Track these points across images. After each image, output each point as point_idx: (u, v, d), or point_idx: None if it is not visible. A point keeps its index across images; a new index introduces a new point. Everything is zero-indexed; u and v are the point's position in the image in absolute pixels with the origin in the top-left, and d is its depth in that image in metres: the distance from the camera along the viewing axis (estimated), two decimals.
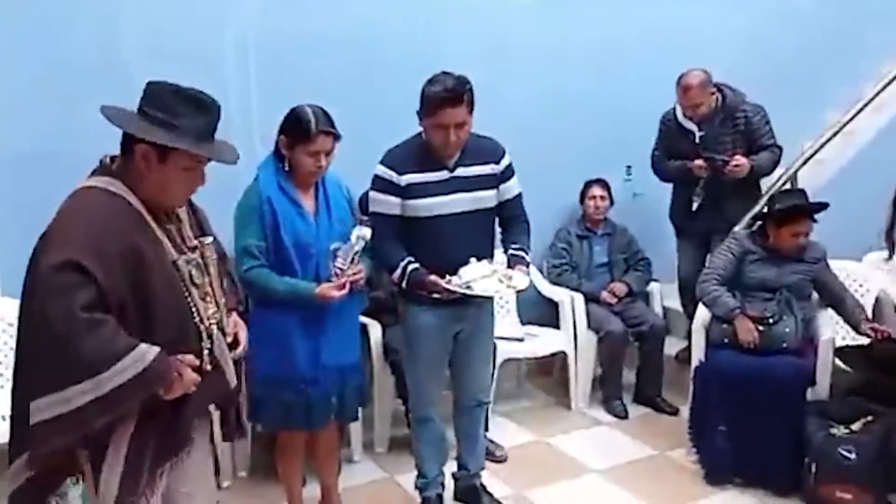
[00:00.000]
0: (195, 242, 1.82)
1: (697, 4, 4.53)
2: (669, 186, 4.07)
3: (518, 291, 2.63)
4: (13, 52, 3.17)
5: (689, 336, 3.64)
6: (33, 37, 3.21)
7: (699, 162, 3.66)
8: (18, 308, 1.66)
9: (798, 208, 3.24)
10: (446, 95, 2.47)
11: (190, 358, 1.73)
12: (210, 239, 1.87)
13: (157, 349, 1.63)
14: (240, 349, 1.91)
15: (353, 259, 2.50)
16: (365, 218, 2.63)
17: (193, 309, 1.75)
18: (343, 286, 2.47)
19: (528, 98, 4.15)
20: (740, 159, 3.59)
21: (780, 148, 3.76)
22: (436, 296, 2.58)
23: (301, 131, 2.45)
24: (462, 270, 2.52)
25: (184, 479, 1.86)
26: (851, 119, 4.29)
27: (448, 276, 2.52)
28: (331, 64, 3.67)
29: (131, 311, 1.63)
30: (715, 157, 3.62)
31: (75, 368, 1.55)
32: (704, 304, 3.34)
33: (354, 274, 2.51)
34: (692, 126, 3.73)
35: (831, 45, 4.87)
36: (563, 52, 4.22)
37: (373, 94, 3.70)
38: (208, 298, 1.81)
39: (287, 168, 2.51)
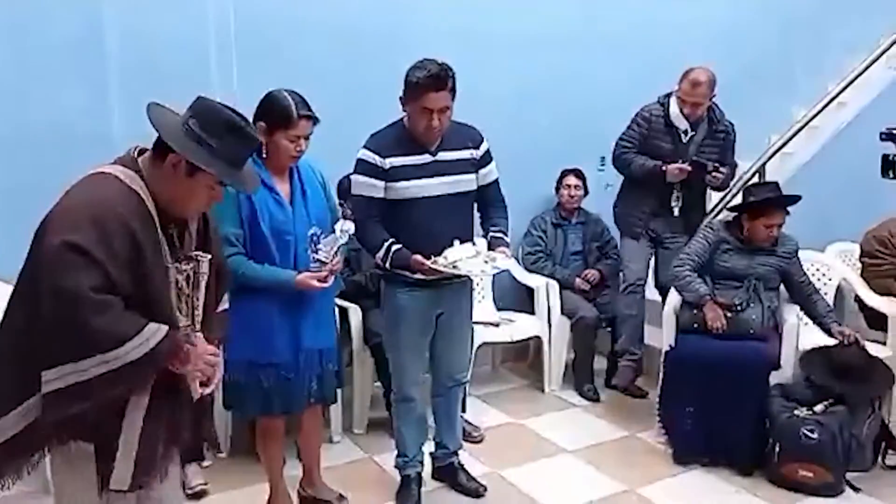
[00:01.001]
0: (193, 254, 1.85)
1: (675, 3, 4.63)
2: None
3: (503, 271, 2.70)
4: None
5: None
6: (14, 17, 3.20)
7: (681, 165, 3.55)
8: (19, 281, 1.69)
9: (772, 201, 3.34)
10: (431, 80, 2.53)
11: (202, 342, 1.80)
12: (208, 256, 1.88)
13: (165, 328, 1.68)
14: (207, 389, 1.85)
15: (336, 252, 2.53)
16: (348, 210, 2.64)
17: (168, 313, 1.76)
18: (325, 279, 2.51)
19: (505, 87, 4.22)
20: (724, 171, 3.60)
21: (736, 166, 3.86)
22: (419, 276, 2.65)
23: (282, 117, 2.45)
24: (447, 252, 2.58)
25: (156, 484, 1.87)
26: (817, 114, 4.43)
27: (433, 257, 2.59)
28: (310, 48, 3.72)
29: (132, 303, 1.66)
30: (704, 161, 3.57)
31: (86, 344, 1.60)
32: (676, 287, 3.43)
33: (334, 265, 2.54)
34: (684, 124, 3.63)
35: (799, 42, 5.03)
36: (540, 43, 4.29)
37: (351, 79, 3.75)
38: (184, 310, 1.83)
39: (264, 155, 2.50)
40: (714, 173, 3.55)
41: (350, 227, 2.54)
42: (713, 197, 4.16)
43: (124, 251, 1.63)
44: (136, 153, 1.79)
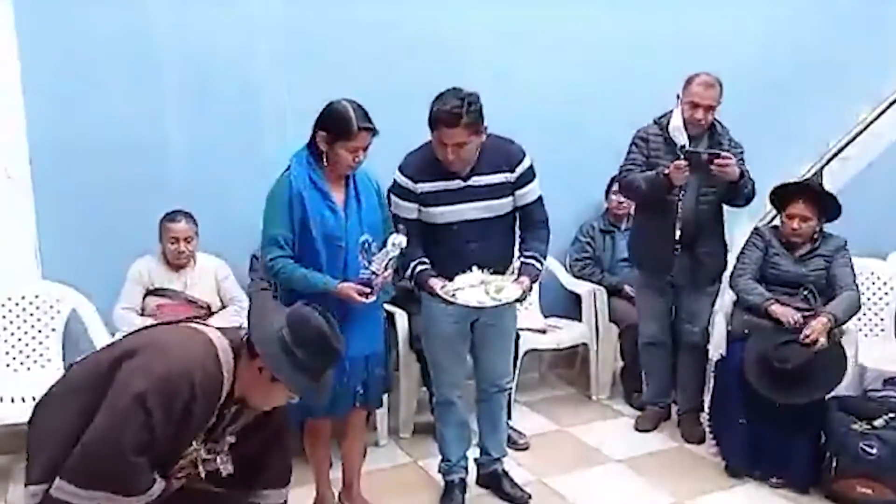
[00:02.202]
0: (224, 448, 1.97)
1: (719, 4, 4.51)
2: None
3: (506, 304, 2.66)
4: (49, 38, 3.26)
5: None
6: (66, 24, 3.29)
7: (677, 163, 3.18)
8: (92, 370, 1.89)
9: (786, 187, 3.30)
10: (444, 116, 2.53)
11: None
12: (230, 469, 1.98)
13: (162, 484, 1.85)
14: None
15: (387, 265, 2.55)
16: (401, 225, 2.68)
17: (170, 468, 1.89)
18: (369, 294, 2.52)
19: (555, 92, 4.17)
20: (728, 155, 3.19)
21: (754, 184, 3.37)
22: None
23: (343, 129, 2.47)
24: (457, 278, 2.62)
25: None
26: (878, 117, 4.28)
27: (444, 282, 2.62)
28: (359, 51, 3.73)
29: (156, 450, 1.80)
30: (700, 151, 3.24)
31: (102, 483, 1.75)
32: (739, 294, 3.32)
33: (385, 279, 2.56)
34: (683, 139, 3.31)
35: (854, 40, 4.84)
36: (589, 47, 4.24)
37: (400, 82, 3.73)
38: (182, 475, 1.95)
39: (324, 162, 2.54)
40: (717, 161, 3.15)
41: (402, 241, 2.55)
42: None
43: (176, 415, 1.78)
44: (245, 337, 1.92)
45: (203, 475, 1.96)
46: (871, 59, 4.74)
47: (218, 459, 1.96)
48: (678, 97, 3.37)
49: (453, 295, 2.59)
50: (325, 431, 2.78)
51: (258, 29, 3.61)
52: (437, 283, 2.64)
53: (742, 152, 3.36)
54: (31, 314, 3.23)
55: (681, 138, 3.32)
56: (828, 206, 3.24)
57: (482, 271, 2.64)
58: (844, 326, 3.28)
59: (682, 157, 3.21)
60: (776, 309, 3.15)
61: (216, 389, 1.84)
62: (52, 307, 3.24)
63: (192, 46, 3.50)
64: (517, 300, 2.69)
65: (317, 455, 2.81)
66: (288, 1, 3.65)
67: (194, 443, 1.90)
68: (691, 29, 4.42)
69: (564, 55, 4.21)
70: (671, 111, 3.40)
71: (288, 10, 3.64)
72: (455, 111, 2.52)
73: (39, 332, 3.23)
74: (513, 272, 2.78)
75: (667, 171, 3.21)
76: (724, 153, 3.19)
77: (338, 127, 2.49)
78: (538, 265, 2.77)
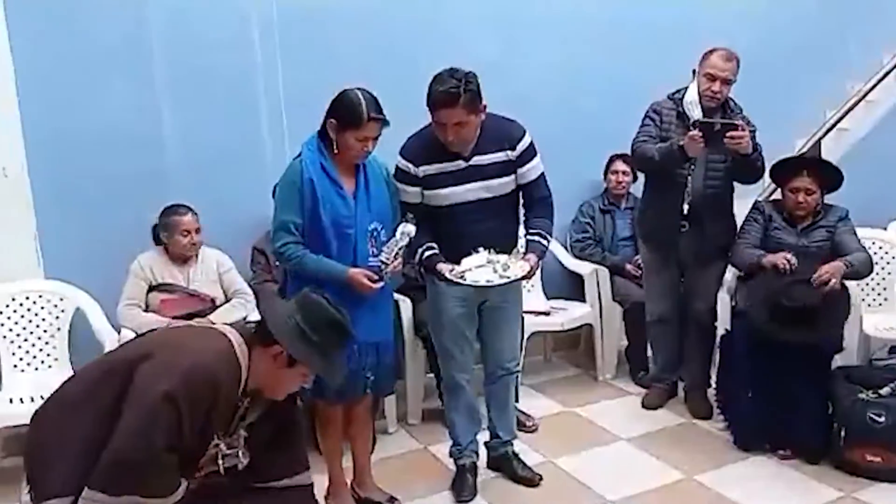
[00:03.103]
0: (241, 442, 1.99)
1: None
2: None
3: (514, 280, 2.67)
4: (42, 34, 3.24)
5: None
6: (60, 19, 3.27)
7: (691, 133, 3.15)
8: (110, 368, 1.88)
9: (788, 161, 3.33)
10: (441, 96, 2.54)
11: None
12: (245, 461, 2.00)
13: (184, 486, 1.87)
14: None
15: (396, 254, 2.56)
16: (409, 213, 2.68)
17: (193, 467, 1.91)
18: (377, 281, 2.53)
19: (552, 71, 4.17)
20: (742, 125, 3.15)
21: (764, 160, 3.37)
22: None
23: (352, 117, 2.48)
24: (464, 260, 2.63)
25: None
26: (872, 88, 4.28)
27: (452, 266, 2.63)
28: (355, 42, 3.72)
29: (185, 447, 1.83)
30: (714, 121, 3.21)
31: (132, 486, 1.76)
32: (737, 264, 3.35)
33: (395, 268, 2.57)
34: (698, 112, 3.31)
35: (851, 15, 4.85)
36: (588, 25, 4.24)
37: (397, 71, 3.70)
38: (204, 473, 1.97)
39: (334, 150, 2.54)
40: (731, 133, 3.12)
41: (411, 229, 2.57)
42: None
43: (203, 410, 1.81)
44: (254, 330, 1.96)
45: (223, 471, 1.97)
46: (864, 35, 4.75)
47: (239, 454, 1.98)
48: (694, 71, 3.37)
49: (462, 276, 2.60)
50: (337, 420, 2.78)
51: (252, 20, 3.58)
52: (445, 268, 2.65)
53: (755, 130, 3.33)
54: (37, 314, 3.21)
55: (695, 112, 3.30)
56: (830, 178, 3.25)
57: (488, 251, 2.64)
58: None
59: (695, 128, 3.18)
60: (770, 258, 3.15)
61: (237, 381, 1.86)
62: (56, 306, 3.23)
63: (187, 41, 3.47)
64: (525, 277, 2.70)
65: (328, 444, 2.82)
66: None
67: (215, 437, 1.91)
68: (688, 10, 4.43)
69: (561, 36, 4.21)
70: (685, 87, 3.40)
71: (282, 1, 3.61)
72: (453, 91, 2.52)
73: (45, 331, 3.22)
74: (518, 251, 2.78)
75: (681, 143, 3.19)
76: (739, 123, 3.17)
77: (347, 115, 2.49)
78: (544, 242, 2.77)
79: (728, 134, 3.13)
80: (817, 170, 3.26)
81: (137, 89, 3.41)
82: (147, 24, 3.40)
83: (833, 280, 3.01)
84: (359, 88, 2.52)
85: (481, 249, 2.64)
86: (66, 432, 1.83)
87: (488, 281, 2.61)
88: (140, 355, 1.85)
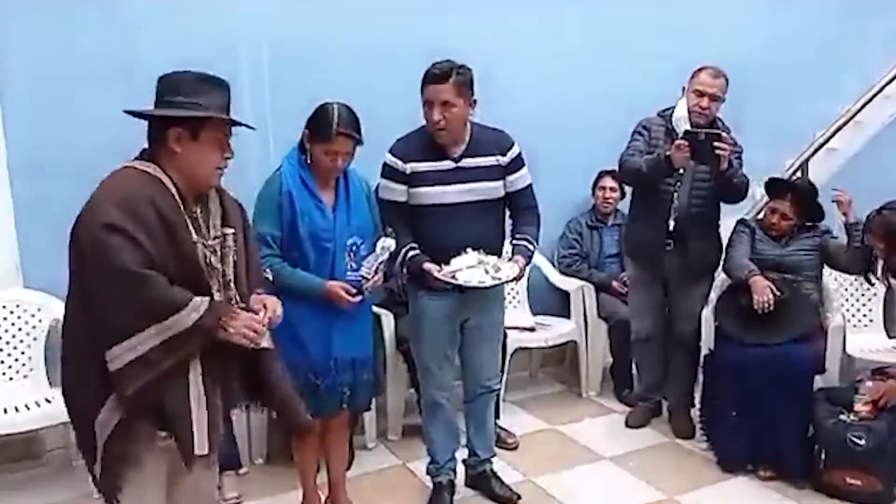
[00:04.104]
0: (218, 232, 1.90)
1: (705, 4, 4.54)
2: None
3: (505, 282, 2.67)
4: (30, 52, 3.23)
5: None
6: (53, 41, 3.27)
7: (678, 142, 3.14)
8: (70, 283, 1.78)
9: (778, 181, 3.48)
10: (433, 72, 2.57)
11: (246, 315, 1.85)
12: (231, 230, 1.92)
13: (208, 299, 1.77)
14: (267, 315, 1.91)
15: (377, 269, 2.55)
16: (389, 228, 2.67)
17: (205, 288, 1.82)
18: (356, 295, 2.51)
19: (541, 88, 4.17)
20: (727, 138, 3.15)
21: (748, 181, 3.39)
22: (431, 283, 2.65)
23: (321, 130, 2.48)
24: (453, 261, 2.59)
25: None
26: (861, 109, 4.29)
27: (442, 265, 2.59)
28: (342, 66, 3.69)
29: (171, 280, 1.74)
30: (698, 130, 3.18)
31: (142, 315, 1.69)
32: (727, 269, 3.37)
33: (375, 283, 2.56)
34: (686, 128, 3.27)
35: (843, 38, 4.86)
36: (573, 46, 4.25)
37: (380, 91, 3.71)
38: (217, 286, 1.88)
39: (309, 161, 2.55)
40: (717, 143, 3.09)
41: (391, 244, 2.56)
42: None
43: (157, 229, 1.72)
44: (145, 153, 1.86)
45: (231, 278, 1.90)
46: (859, 57, 4.75)
47: (231, 256, 1.91)
48: (683, 89, 3.39)
49: (453, 276, 2.57)
50: (314, 434, 2.74)
51: (240, 36, 3.58)
52: (433, 268, 2.61)
53: (741, 152, 3.35)
54: (13, 324, 3.19)
55: (683, 128, 3.29)
56: (812, 209, 3.33)
57: (477, 252, 2.62)
58: (830, 316, 3.32)
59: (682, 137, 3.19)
60: (755, 285, 3.15)
61: (164, 190, 1.77)
62: (33, 316, 3.20)
63: (173, 56, 3.43)
64: (515, 279, 2.70)
65: (304, 457, 2.78)
66: (270, 8, 3.62)
67: (196, 240, 1.82)
68: (678, 29, 4.43)
69: (549, 53, 4.21)
70: (674, 105, 3.42)
71: (270, 18, 3.61)
72: (445, 68, 2.57)
73: (21, 341, 3.19)
74: (505, 256, 2.75)
75: (668, 153, 3.18)
76: (723, 133, 3.16)
77: (318, 127, 2.50)
78: (531, 247, 2.77)
79: (715, 143, 3.12)
80: (799, 198, 3.32)
81: (123, 105, 3.36)
82: (134, 41, 3.39)
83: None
84: (340, 103, 2.51)
85: (470, 250, 2.62)
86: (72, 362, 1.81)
87: (480, 282, 2.59)
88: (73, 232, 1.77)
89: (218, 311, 1.79)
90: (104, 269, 1.67)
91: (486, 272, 2.60)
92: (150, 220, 1.70)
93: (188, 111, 1.80)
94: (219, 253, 1.88)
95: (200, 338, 1.75)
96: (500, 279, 2.61)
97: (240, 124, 1.90)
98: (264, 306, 1.93)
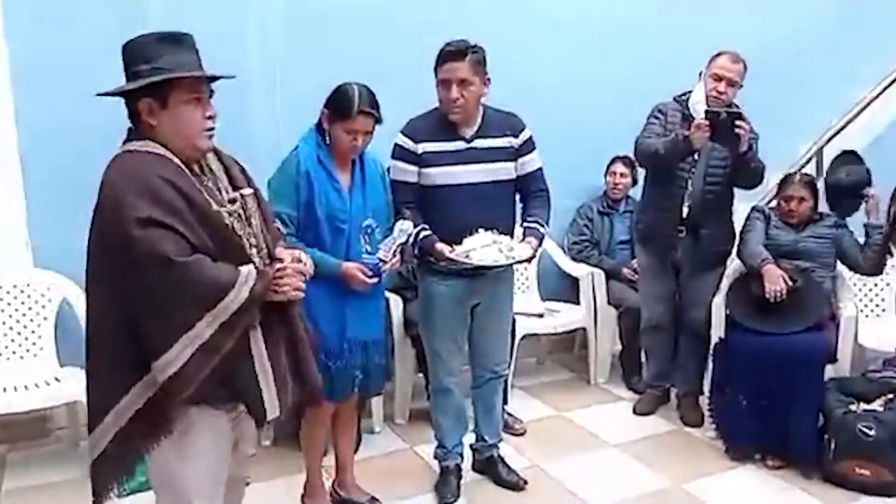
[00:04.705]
0: (234, 195, 1.83)
1: None
2: None
3: (519, 262, 2.67)
4: (39, 26, 3.21)
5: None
6: (57, 13, 3.24)
7: (698, 122, 3.12)
8: (93, 278, 1.72)
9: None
10: (450, 50, 2.57)
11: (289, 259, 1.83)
12: (249, 191, 1.87)
13: (253, 268, 1.72)
14: (292, 257, 1.87)
15: (395, 252, 2.54)
16: (406, 210, 2.66)
17: (242, 254, 1.77)
18: (372, 276, 2.51)
19: (553, 72, 4.13)
20: (747, 118, 3.14)
21: (764, 167, 3.37)
22: (443, 264, 2.64)
23: (342, 109, 2.47)
24: (466, 240, 2.57)
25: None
26: (877, 96, 4.23)
27: (454, 246, 2.57)
28: (349, 39, 3.67)
29: (204, 251, 1.68)
30: (720, 109, 3.15)
31: (194, 307, 1.64)
32: (741, 255, 3.34)
33: (393, 265, 2.56)
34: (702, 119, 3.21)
35: (862, 25, 4.79)
36: (589, 26, 4.21)
37: (391, 67, 3.68)
38: (252, 249, 1.83)
39: (327, 142, 2.54)
40: (738, 122, 3.08)
41: (409, 226, 2.55)
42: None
43: (180, 206, 1.64)
44: (129, 132, 1.80)
45: (260, 238, 1.83)
46: (871, 42, 4.68)
47: (255, 218, 1.84)
48: (701, 73, 3.35)
49: (467, 256, 2.55)
50: (325, 416, 2.73)
51: (251, 15, 3.56)
52: (445, 248, 2.59)
53: (756, 138, 3.32)
54: (23, 303, 3.20)
55: (700, 113, 3.24)
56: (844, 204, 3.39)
57: (490, 231, 2.60)
58: (843, 306, 3.29)
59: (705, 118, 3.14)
60: (767, 274, 3.13)
61: (171, 164, 1.70)
62: (43, 295, 3.21)
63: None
64: (528, 259, 2.71)
65: (313, 440, 2.77)
66: None
67: (217, 209, 1.74)
68: (691, 15, 4.39)
69: (561, 38, 4.17)
70: (689, 91, 3.38)
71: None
72: (461, 46, 2.57)
73: (31, 320, 3.20)
74: (517, 238, 2.73)
75: (687, 133, 3.15)
76: (743, 113, 3.13)
77: (338, 106, 2.49)
78: (542, 229, 2.75)
79: (736, 123, 3.09)
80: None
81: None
82: (146, 17, 3.37)
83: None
84: (358, 83, 2.51)
85: (482, 230, 2.60)
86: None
87: (495, 261, 2.58)
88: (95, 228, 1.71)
89: (265, 275, 1.74)
90: (148, 267, 1.60)
91: (500, 251, 2.58)
92: (174, 202, 1.64)
93: (146, 79, 1.70)
94: (243, 216, 1.83)
95: (256, 307, 1.71)
96: (514, 258, 2.61)
97: (205, 77, 1.78)
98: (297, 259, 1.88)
